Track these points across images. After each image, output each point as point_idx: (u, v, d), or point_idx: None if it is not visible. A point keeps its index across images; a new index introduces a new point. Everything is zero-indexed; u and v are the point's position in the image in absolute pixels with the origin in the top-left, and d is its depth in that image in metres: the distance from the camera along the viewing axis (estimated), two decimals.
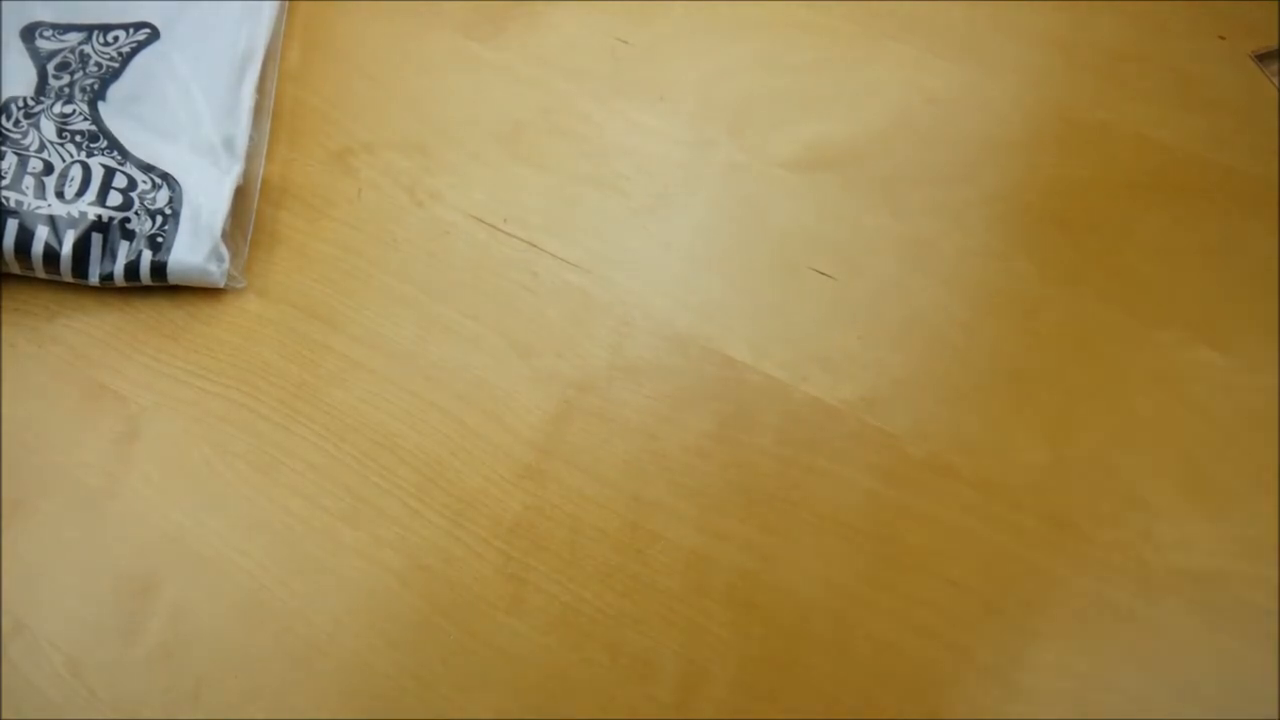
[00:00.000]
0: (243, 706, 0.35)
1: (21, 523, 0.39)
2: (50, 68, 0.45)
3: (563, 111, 0.49)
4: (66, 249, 0.40)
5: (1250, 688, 0.33)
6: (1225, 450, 0.38)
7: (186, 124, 0.46)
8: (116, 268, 0.41)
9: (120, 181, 0.42)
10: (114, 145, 0.44)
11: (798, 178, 0.46)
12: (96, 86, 0.45)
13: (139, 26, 0.48)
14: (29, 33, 0.46)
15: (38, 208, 0.41)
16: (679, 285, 0.43)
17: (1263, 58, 0.49)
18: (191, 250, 0.42)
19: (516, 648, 0.35)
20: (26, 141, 0.42)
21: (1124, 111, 0.47)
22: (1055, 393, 0.39)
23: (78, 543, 0.38)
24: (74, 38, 0.47)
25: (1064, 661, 0.34)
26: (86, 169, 0.42)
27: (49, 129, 0.43)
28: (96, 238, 0.41)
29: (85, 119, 0.44)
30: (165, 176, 0.43)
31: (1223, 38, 0.49)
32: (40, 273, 0.41)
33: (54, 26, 0.47)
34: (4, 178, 0.41)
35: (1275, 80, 0.48)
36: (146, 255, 0.41)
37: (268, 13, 0.50)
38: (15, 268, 0.41)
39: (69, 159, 0.42)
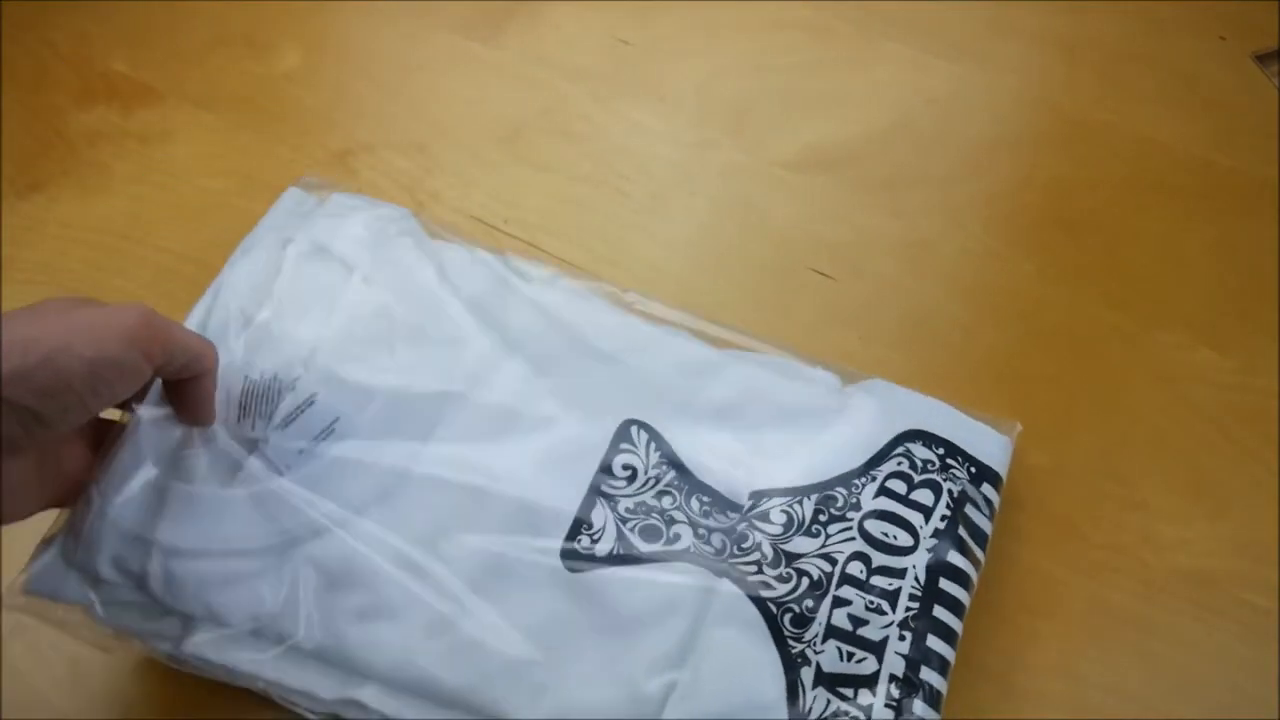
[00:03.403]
0: (244, 707, 0.35)
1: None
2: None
3: (563, 111, 0.49)
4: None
5: (1250, 688, 0.33)
6: (1225, 451, 0.38)
7: (793, 414, 0.36)
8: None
9: (898, 487, 0.34)
10: (845, 480, 0.34)
11: (798, 178, 0.46)
12: (705, 499, 0.34)
13: (624, 433, 0.35)
14: (576, 557, 0.32)
15: (914, 580, 0.32)
16: (679, 285, 0.43)
17: (1263, 58, 0.49)
18: (994, 445, 0.36)
19: None
20: (819, 578, 0.32)
21: (1124, 111, 0.47)
22: (1055, 393, 0.39)
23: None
24: (601, 515, 0.33)
25: (1064, 663, 0.34)
26: (880, 514, 0.33)
27: (805, 545, 0.33)
28: (966, 534, 0.33)
29: (798, 500, 0.33)
30: (897, 440, 0.35)
31: (1223, 38, 0.49)
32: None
33: (573, 533, 0.33)
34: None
35: (1275, 80, 0.48)
36: (992, 494, 0.35)
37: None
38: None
39: (856, 529, 0.33)
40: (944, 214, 0.45)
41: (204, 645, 0.31)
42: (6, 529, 0.28)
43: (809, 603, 0.32)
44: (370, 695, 0.31)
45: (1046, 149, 0.47)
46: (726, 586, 0.32)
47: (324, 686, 0.31)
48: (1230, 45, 0.49)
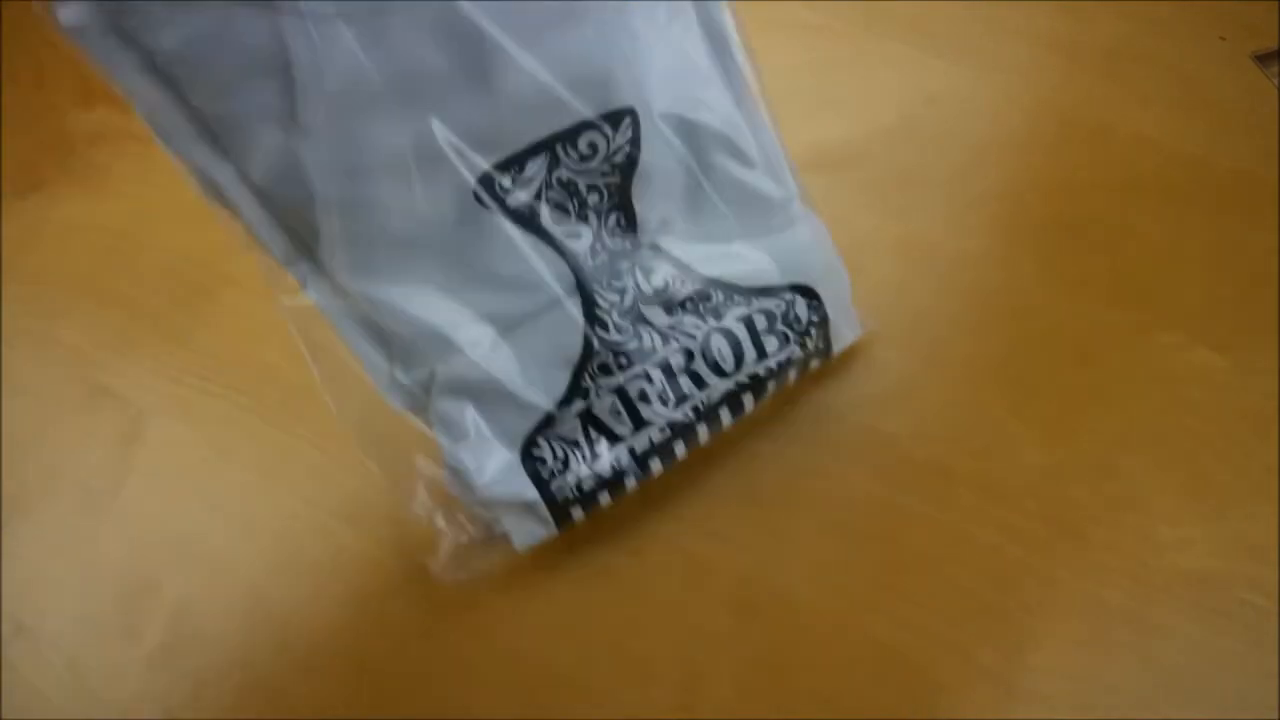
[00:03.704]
0: (243, 706, 0.35)
1: (22, 523, 0.39)
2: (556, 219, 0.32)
3: None
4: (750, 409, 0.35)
5: (1250, 688, 0.33)
6: (1225, 452, 0.38)
7: (751, 201, 0.36)
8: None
9: (760, 322, 0.35)
10: (729, 291, 0.35)
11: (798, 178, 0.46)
12: (623, 221, 0.33)
13: (616, 117, 0.32)
14: (489, 188, 0.31)
15: (707, 396, 0.34)
16: None
17: (1263, 58, 0.48)
18: (849, 331, 0.38)
19: (518, 649, 0.35)
20: (647, 349, 0.34)
21: (1124, 111, 0.47)
22: (1055, 394, 0.39)
23: (78, 544, 0.38)
24: (536, 167, 0.31)
25: (1064, 663, 0.34)
26: (729, 335, 0.34)
27: (658, 316, 0.34)
28: (772, 386, 0.36)
29: (683, 280, 0.34)
30: (793, 289, 0.36)
31: (1223, 38, 0.49)
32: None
33: (504, 165, 0.31)
34: (656, 398, 0.34)
35: (1275, 80, 0.48)
36: (814, 364, 0.37)
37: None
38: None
39: (703, 333, 0.34)
40: (944, 214, 0.45)
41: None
42: None
43: (623, 360, 0.33)
44: (228, 178, 0.31)
45: (1046, 149, 0.47)
46: (573, 306, 0.33)
47: (198, 154, 0.31)
48: (1230, 45, 0.49)
